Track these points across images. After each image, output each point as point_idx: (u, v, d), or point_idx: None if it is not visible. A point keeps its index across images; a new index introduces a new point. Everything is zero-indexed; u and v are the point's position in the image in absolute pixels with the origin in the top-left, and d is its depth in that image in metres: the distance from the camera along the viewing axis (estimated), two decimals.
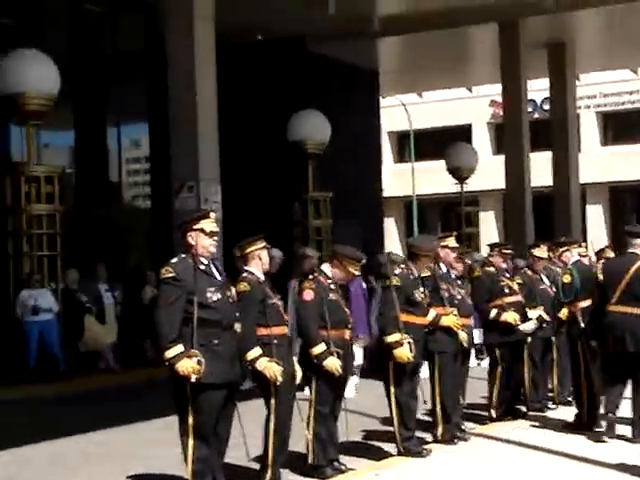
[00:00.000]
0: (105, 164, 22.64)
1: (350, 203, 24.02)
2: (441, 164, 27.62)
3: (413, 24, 23.14)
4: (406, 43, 25.67)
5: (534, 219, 25.18)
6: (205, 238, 7.22)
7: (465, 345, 9.87)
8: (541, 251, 12.05)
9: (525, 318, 11.18)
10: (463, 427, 10.00)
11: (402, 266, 9.31)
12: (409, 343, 8.83)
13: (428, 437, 9.71)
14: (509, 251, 11.73)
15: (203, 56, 17.75)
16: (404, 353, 8.80)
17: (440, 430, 9.62)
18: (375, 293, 14.51)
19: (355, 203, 24.53)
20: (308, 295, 8.36)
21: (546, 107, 34.86)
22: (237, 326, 7.27)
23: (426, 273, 9.63)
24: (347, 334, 8.49)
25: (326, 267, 8.67)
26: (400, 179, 43.73)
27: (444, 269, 9.96)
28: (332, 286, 8.53)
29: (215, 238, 7.29)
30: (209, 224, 7.26)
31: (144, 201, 24.16)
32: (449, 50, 25.89)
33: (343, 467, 8.44)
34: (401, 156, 47.97)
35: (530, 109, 30.13)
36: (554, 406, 11.80)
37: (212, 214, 7.38)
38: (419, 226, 42.75)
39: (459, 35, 24.67)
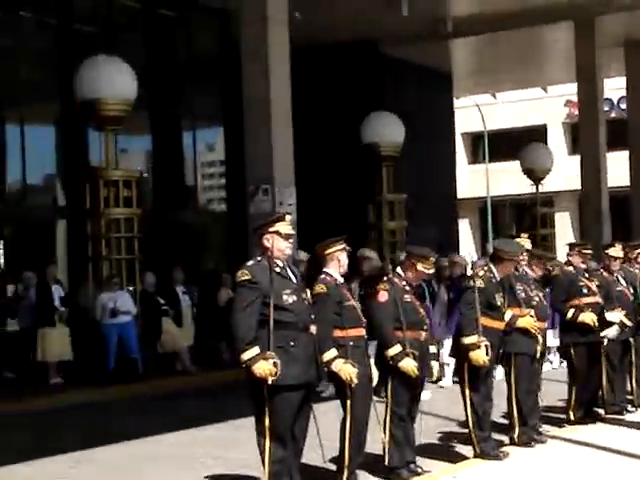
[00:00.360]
0: (181, 168, 22.88)
1: (424, 205, 23.98)
2: (516, 165, 27.43)
3: (487, 24, 23.02)
4: (480, 44, 25.54)
5: (611, 220, 24.87)
6: (281, 241, 7.27)
7: (539, 348, 9.80)
8: (616, 251, 11.87)
9: (603, 320, 11.04)
10: (540, 429, 9.92)
11: (485, 269, 9.27)
12: (486, 346, 8.79)
13: (506, 440, 9.65)
14: (588, 251, 11.57)
15: (277, 59, 17.85)
16: (480, 356, 8.76)
17: (517, 432, 9.55)
18: (437, 297, 14.74)
19: (429, 205, 24.49)
20: (383, 297, 8.36)
21: (623, 106, 34.41)
22: (313, 328, 7.31)
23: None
24: (423, 335, 8.48)
25: (400, 269, 8.69)
26: (474, 180, 43.50)
27: (520, 270, 9.88)
28: (407, 287, 8.53)
29: (290, 241, 7.34)
30: (285, 227, 7.31)
31: (219, 204, 24.36)
32: (523, 50, 25.70)
33: (419, 469, 8.43)
34: (475, 157, 47.70)
35: (607, 108, 29.79)
36: (633, 409, 11.64)
37: (287, 217, 7.44)
38: (493, 227, 42.49)
39: (533, 34, 24.48)
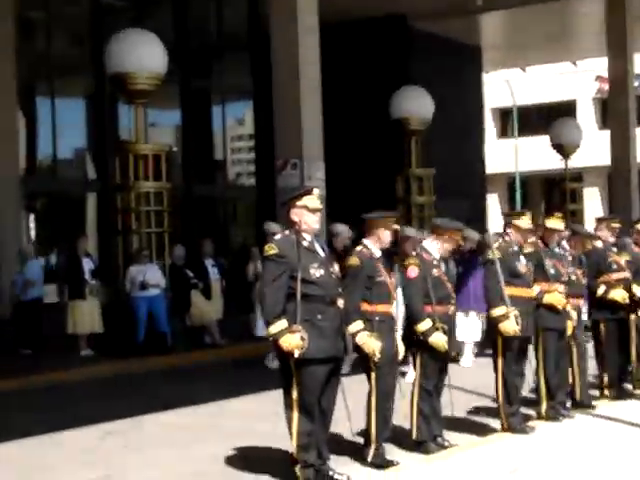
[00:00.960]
0: (210, 142, 22.95)
1: (453, 180, 23.95)
2: (545, 140, 27.31)
3: None
4: (509, 18, 25.42)
5: None
6: (309, 215, 7.31)
7: (573, 324, 9.83)
8: None
9: (632, 295, 11.01)
10: (568, 405, 9.95)
11: (500, 240, 9.30)
12: (515, 316, 8.81)
13: (534, 414, 9.69)
14: (617, 225, 11.51)
15: (306, 34, 17.85)
16: (510, 326, 8.77)
17: (544, 407, 9.59)
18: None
19: (458, 180, 24.46)
20: (412, 272, 8.37)
21: None
22: (340, 302, 7.36)
23: (529, 249, 9.58)
24: (451, 309, 8.52)
25: (427, 243, 8.69)
26: (503, 155, 43.33)
27: (551, 246, 9.84)
28: (434, 262, 8.55)
29: (318, 215, 7.39)
30: (313, 201, 7.35)
31: (248, 178, 24.43)
32: (553, 24, 25.54)
33: (447, 443, 8.50)
34: (504, 132, 47.50)
35: (637, 83, 29.53)
36: None
37: (315, 191, 7.46)
38: (522, 202, 42.35)
39: (563, 8, 24.35)
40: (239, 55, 23.23)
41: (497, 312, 8.85)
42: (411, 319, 8.38)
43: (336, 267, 7.49)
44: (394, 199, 22.21)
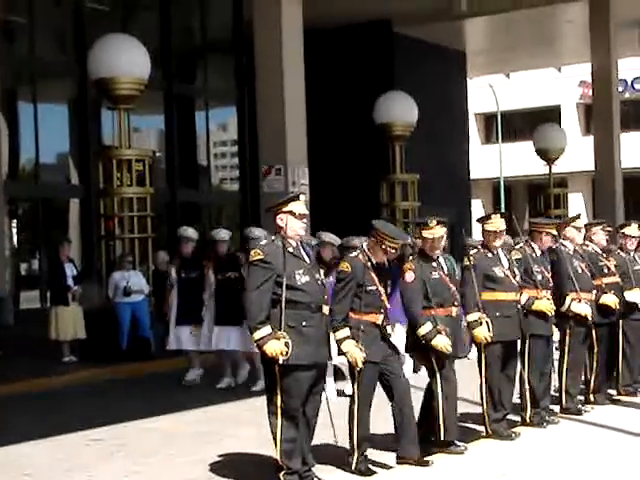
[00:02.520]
0: (194, 147, 22.90)
1: (437, 185, 23.95)
2: (529, 145, 27.37)
3: (500, 3, 22.96)
4: (494, 23, 25.46)
5: (624, 201, 24.81)
6: (295, 220, 7.28)
7: (590, 319, 9.89)
8: (632, 230, 11.82)
9: (623, 300, 11.02)
10: (552, 410, 9.93)
11: (479, 247, 9.26)
12: (487, 322, 8.76)
13: (519, 420, 9.67)
14: (609, 229, 11.53)
15: (290, 40, 17.84)
16: (481, 332, 8.73)
17: (529, 413, 9.57)
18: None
19: (442, 185, 24.47)
20: (409, 277, 8.29)
21: (637, 86, 34.29)
22: (326, 309, 7.32)
23: (518, 255, 9.55)
24: (454, 311, 8.43)
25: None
26: (487, 161, 43.41)
27: (538, 252, 9.82)
28: (433, 264, 8.48)
29: (304, 221, 7.35)
30: (299, 206, 7.31)
31: (232, 184, 24.39)
32: (537, 30, 25.60)
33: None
34: (488, 138, 47.61)
35: (620, 89, 29.65)
36: None
37: (302, 196, 7.44)
38: (506, 208, 42.42)
39: (548, 14, 24.39)
40: (223, 60, 23.19)
41: (470, 318, 8.80)
42: (411, 325, 8.28)
43: (322, 273, 7.46)
44: (378, 204, 22.20)
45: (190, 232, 13.69)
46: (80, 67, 18.21)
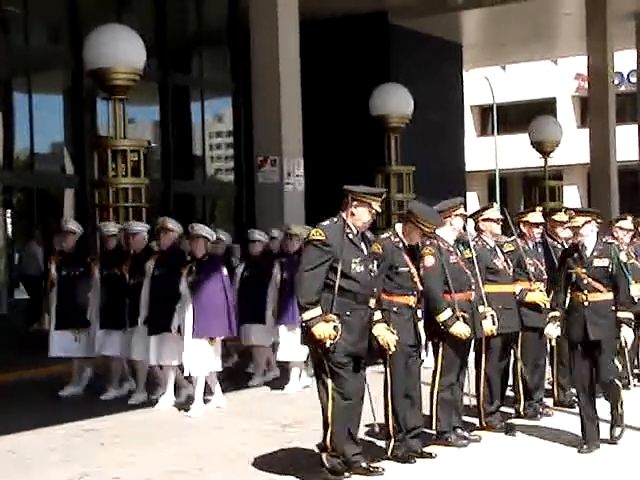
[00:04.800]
0: (189, 138, 22.86)
1: (433, 177, 23.92)
2: (525, 138, 27.34)
3: None
4: (490, 15, 25.40)
5: (620, 193, 24.82)
6: (368, 215, 7.31)
7: None
8: (627, 223, 11.82)
9: None
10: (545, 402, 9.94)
11: (476, 239, 9.24)
12: (492, 316, 8.72)
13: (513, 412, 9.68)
14: (601, 221, 11.50)
15: (287, 31, 17.81)
16: (488, 326, 8.70)
17: (522, 405, 9.59)
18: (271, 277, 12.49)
19: (438, 177, 24.43)
20: (429, 261, 8.24)
21: (633, 79, 34.26)
22: (372, 302, 7.28)
23: (510, 248, 9.55)
24: (472, 295, 8.41)
25: (442, 231, 8.51)
26: (483, 153, 43.40)
27: (530, 244, 9.82)
28: (450, 248, 8.44)
29: (373, 215, 7.32)
30: (377, 204, 7.33)
31: (227, 174, 24.35)
32: (534, 22, 25.56)
33: (466, 434, 8.48)
34: (484, 130, 47.59)
35: (616, 82, 29.64)
36: (639, 384, 11.65)
37: (383, 195, 7.40)
38: (502, 200, 42.42)
39: (544, 6, 24.35)
40: (219, 51, 23.14)
41: (443, 316, 8.32)
42: (431, 309, 8.21)
43: (375, 266, 7.41)
44: None
45: (71, 224, 12.52)
46: (75, 57, 18.15)
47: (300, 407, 10.59)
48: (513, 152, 41.95)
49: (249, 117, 18.50)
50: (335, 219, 7.25)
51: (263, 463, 8.13)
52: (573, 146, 35.34)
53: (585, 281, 8.25)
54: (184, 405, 10.85)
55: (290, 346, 11.58)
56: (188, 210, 21.53)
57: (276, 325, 12.04)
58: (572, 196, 41.86)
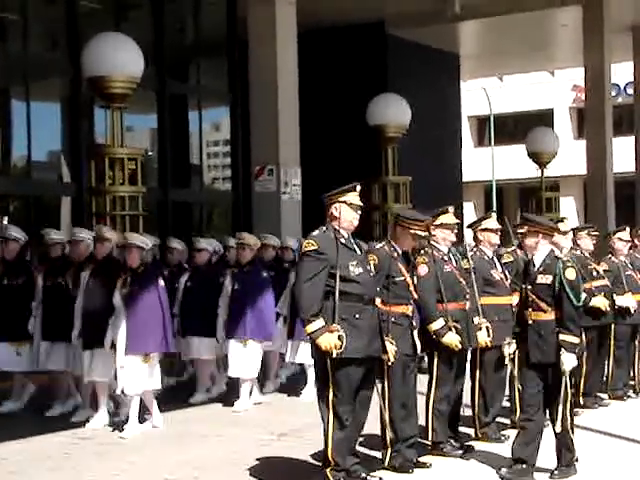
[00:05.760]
0: (186, 147, 22.85)
1: (430, 187, 23.93)
2: (521, 149, 27.35)
3: (495, 7, 22.94)
4: (487, 26, 25.44)
5: (616, 205, 24.83)
6: (350, 211, 7.27)
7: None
8: (625, 235, 11.85)
9: (613, 305, 11.05)
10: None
11: (474, 249, 9.25)
12: (487, 327, 8.73)
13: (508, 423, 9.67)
14: (596, 233, 11.56)
15: (284, 40, 17.85)
16: (482, 338, 8.71)
17: (518, 415, 9.55)
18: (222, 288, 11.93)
19: (435, 187, 24.44)
20: (423, 270, 8.24)
21: (630, 91, 34.31)
22: (378, 301, 7.27)
23: (509, 259, 9.56)
24: (467, 305, 8.39)
25: (437, 239, 8.50)
26: (480, 164, 43.43)
27: (530, 254, 9.81)
28: (445, 258, 8.43)
29: (359, 212, 7.32)
30: (355, 198, 7.30)
31: (224, 183, 24.34)
32: (531, 33, 25.60)
33: (459, 444, 8.46)
34: (481, 140, 47.64)
35: (614, 93, 29.67)
36: (634, 395, 11.66)
37: (358, 188, 7.39)
38: (498, 211, 42.44)
39: (542, 18, 24.37)
40: (216, 60, 23.14)
41: (435, 326, 8.31)
42: (424, 318, 8.20)
43: (372, 266, 7.40)
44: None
45: (13, 230, 11.92)
46: (73, 65, 18.15)
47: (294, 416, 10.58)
48: (510, 163, 41.99)
49: (247, 126, 18.51)
50: (324, 228, 7.27)
51: (258, 471, 8.12)
52: (570, 157, 35.39)
53: (530, 298, 7.75)
54: (121, 424, 10.26)
55: (240, 362, 11.17)
56: (185, 219, 21.50)
57: (227, 339, 11.40)
58: (569, 207, 41.91)
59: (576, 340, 7.64)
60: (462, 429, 9.53)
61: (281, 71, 17.77)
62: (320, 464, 7.42)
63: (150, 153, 20.93)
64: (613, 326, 11.25)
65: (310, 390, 11.59)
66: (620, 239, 11.70)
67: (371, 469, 7.61)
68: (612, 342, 11.32)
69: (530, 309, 7.72)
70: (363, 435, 8.05)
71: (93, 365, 10.26)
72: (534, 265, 7.81)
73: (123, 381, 9.96)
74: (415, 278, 8.04)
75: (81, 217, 18.06)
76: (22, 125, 19.09)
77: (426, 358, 8.58)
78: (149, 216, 16.89)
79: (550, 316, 7.66)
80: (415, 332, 8.02)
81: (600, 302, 10.76)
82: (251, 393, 11.54)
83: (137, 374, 9.95)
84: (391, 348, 7.47)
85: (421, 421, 8.33)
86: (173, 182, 21.44)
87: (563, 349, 7.53)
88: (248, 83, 18.26)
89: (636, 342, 11.77)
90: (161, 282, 10.22)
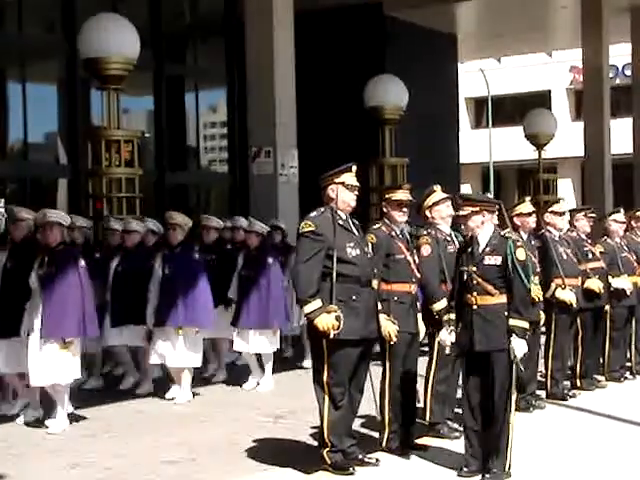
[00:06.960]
0: (183, 129, 22.80)
1: (427, 169, 23.90)
2: (519, 130, 27.32)
3: None
4: (485, 7, 25.37)
5: (614, 187, 24.82)
6: (347, 192, 7.27)
7: (575, 307, 9.86)
8: (621, 216, 11.85)
9: (608, 287, 11.06)
10: (538, 395, 9.94)
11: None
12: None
13: None
14: (593, 215, 11.55)
15: (281, 22, 17.80)
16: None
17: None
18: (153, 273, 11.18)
19: (432, 169, 24.41)
20: (425, 250, 8.22)
21: (628, 73, 34.23)
22: (374, 283, 7.24)
23: None
24: None
25: (442, 221, 8.48)
26: (477, 145, 43.37)
27: (524, 236, 9.81)
28: (448, 238, 8.43)
29: (356, 193, 7.31)
30: (351, 178, 7.29)
31: (221, 165, 24.30)
32: (529, 14, 25.50)
33: (456, 428, 8.39)
34: (479, 122, 47.57)
35: (611, 75, 29.60)
36: (631, 376, 11.68)
37: (354, 168, 7.39)
38: (496, 193, 42.43)
39: None
40: (213, 41, 23.05)
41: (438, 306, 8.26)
42: (428, 299, 8.17)
43: (370, 247, 7.39)
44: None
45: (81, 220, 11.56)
46: (69, 46, 18.09)
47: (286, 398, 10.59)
48: (507, 145, 41.94)
49: (243, 108, 18.46)
50: (322, 209, 7.25)
51: (255, 453, 8.13)
52: (567, 139, 35.34)
53: (475, 281, 7.08)
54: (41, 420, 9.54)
55: (178, 351, 10.51)
56: (182, 201, 21.47)
57: (157, 327, 10.70)
58: (566, 189, 41.88)
59: (527, 325, 7.09)
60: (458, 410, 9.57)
61: (278, 53, 17.72)
62: (317, 446, 7.42)
63: (147, 135, 20.87)
64: (609, 308, 11.25)
65: (268, 380, 11.47)
66: (615, 221, 11.70)
67: (368, 450, 7.61)
68: (608, 324, 11.33)
69: (474, 292, 7.07)
70: (360, 416, 8.07)
71: (7, 355, 9.45)
72: (479, 244, 7.22)
73: (34, 371, 9.01)
74: (418, 259, 8.03)
75: (78, 199, 18.05)
76: (18, 107, 19.04)
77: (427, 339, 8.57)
78: (146, 198, 16.88)
79: (497, 299, 7.05)
80: (419, 315, 8.01)
81: (595, 284, 10.76)
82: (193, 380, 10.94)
83: (49, 363, 9.02)
84: (393, 328, 7.45)
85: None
86: (170, 164, 21.40)
87: (514, 334, 6.95)
88: (245, 65, 18.20)
89: (632, 324, 11.78)
90: (82, 262, 9.29)
